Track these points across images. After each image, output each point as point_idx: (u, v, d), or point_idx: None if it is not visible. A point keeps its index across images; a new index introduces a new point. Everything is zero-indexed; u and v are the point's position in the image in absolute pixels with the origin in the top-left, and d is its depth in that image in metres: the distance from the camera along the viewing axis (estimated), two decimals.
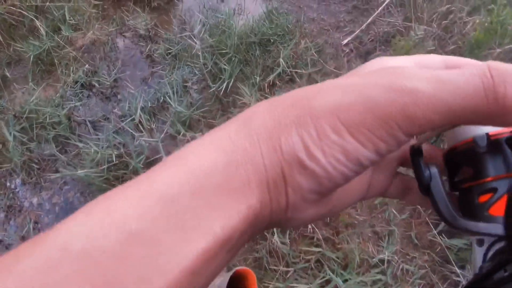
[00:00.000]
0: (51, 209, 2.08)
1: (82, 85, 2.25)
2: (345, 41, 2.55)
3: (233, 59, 2.22)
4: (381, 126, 0.20)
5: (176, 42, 2.35)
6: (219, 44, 2.28)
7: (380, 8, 2.72)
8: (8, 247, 2.05)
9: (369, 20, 2.63)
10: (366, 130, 0.20)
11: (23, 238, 1.98)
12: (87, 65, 2.30)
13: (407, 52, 2.05)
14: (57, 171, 2.10)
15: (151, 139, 1.92)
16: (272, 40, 2.34)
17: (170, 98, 2.06)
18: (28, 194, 2.10)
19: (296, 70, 2.19)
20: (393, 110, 0.19)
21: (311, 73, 2.24)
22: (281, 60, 2.16)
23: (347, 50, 2.52)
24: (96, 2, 2.60)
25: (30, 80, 2.29)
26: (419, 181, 0.30)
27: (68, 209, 2.05)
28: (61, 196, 2.11)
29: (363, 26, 2.62)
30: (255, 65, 2.25)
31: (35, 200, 2.10)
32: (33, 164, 2.09)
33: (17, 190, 2.12)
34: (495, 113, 0.19)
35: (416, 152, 0.32)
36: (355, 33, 2.60)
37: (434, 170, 0.30)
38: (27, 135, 2.10)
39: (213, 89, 2.12)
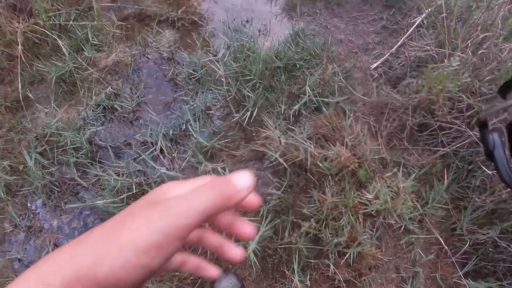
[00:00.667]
0: (70, 233, 2.05)
1: (104, 108, 2.22)
2: (374, 65, 2.45)
3: (258, 85, 2.14)
4: (157, 254, 0.30)
5: (200, 66, 2.29)
6: (243, 69, 2.21)
7: (410, 30, 2.60)
8: (27, 266, 2.02)
9: (398, 43, 2.51)
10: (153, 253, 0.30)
11: None
12: (109, 88, 2.27)
13: (441, 84, 1.93)
14: (77, 194, 2.08)
15: (171, 172, 1.86)
16: (298, 65, 2.25)
17: (192, 126, 2.00)
18: (48, 216, 2.08)
19: (323, 99, 2.10)
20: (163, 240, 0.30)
21: (339, 101, 2.14)
22: (307, 87, 2.07)
23: (376, 75, 2.41)
24: (120, 23, 2.57)
25: (52, 101, 2.27)
26: (485, 148, 0.39)
27: None
28: (81, 221, 2.08)
29: (393, 49, 2.50)
30: (280, 91, 2.17)
31: (55, 223, 2.07)
32: (54, 187, 2.06)
33: (37, 211, 2.10)
34: (227, 202, 0.33)
35: (482, 123, 0.42)
36: (384, 56, 2.49)
37: (497, 138, 0.38)
38: (48, 159, 2.08)
39: (237, 118, 2.05)
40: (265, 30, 2.67)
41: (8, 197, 2.05)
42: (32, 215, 2.07)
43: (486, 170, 1.87)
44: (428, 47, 2.28)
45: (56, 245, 2.02)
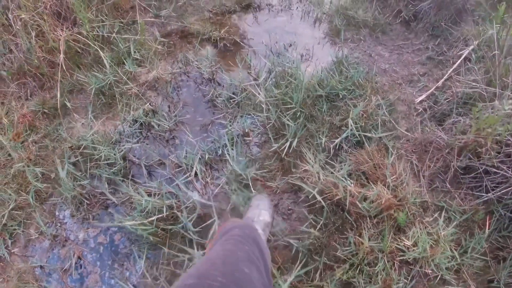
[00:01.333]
0: (95, 247, 2.03)
1: (141, 124, 2.20)
2: (419, 99, 2.35)
3: (298, 114, 2.08)
4: None
5: (240, 90, 2.25)
6: (284, 96, 2.16)
7: (457, 63, 2.49)
8: (49, 275, 2.01)
9: (444, 77, 2.41)
10: None
11: (65, 272, 1.94)
12: (148, 104, 2.25)
13: (491, 127, 1.82)
14: (107, 208, 2.06)
15: (203, 200, 1.81)
16: (341, 95, 2.18)
17: (228, 152, 1.95)
18: (75, 228, 2.06)
19: (366, 134, 2.02)
20: None
21: (382, 137, 2.06)
22: (350, 120, 2.00)
23: (421, 109, 2.32)
24: (162, 39, 2.56)
25: (90, 112, 2.26)
26: None
27: (111, 252, 1.99)
28: (107, 237, 2.05)
29: (439, 83, 2.40)
30: (321, 122, 2.11)
31: (81, 235, 2.06)
32: (84, 199, 2.05)
33: (65, 221, 2.09)
34: None
35: None
36: (430, 90, 2.39)
37: None
38: (80, 170, 2.07)
39: (275, 147, 1.99)
40: (308, 55, 2.62)
41: (37, 204, 2.05)
42: (59, 224, 2.06)
43: None
44: (476, 84, 2.17)
45: (79, 258, 2.00)
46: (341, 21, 2.85)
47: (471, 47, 2.52)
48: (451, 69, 2.44)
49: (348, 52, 2.63)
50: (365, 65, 2.53)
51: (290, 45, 2.68)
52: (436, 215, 1.87)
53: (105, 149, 2.01)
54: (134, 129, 2.15)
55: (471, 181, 2.02)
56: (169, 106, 2.27)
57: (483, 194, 1.93)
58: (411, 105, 2.35)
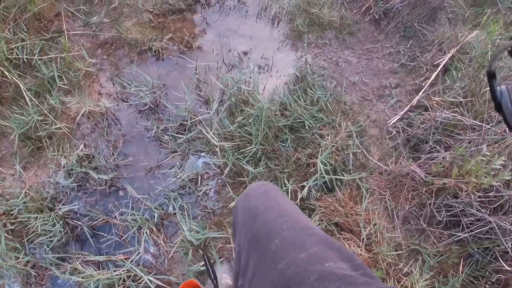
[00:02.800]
0: None
1: (77, 176, 1.85)
2: (392, 121, 2.12)
3: (259, 154, 1.81)
4: None
5: (190, 121, 1.93)
6: (241, 130, 1.86)
7: (432, 76, 2.26)
8: None
9: (418, 95, 2.18)
10: None
11: None
12: (82, 147, 1.89)
13: (476, 176, 1.64)
14: (57, 279, 1.76)
15: (159, 277, 1.56)
16: (307, 125, 1.91)
17: (178, 212, 1.68)
18: None
19: (336, 176, 1.79)
20: None
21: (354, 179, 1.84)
22: (318, 162, 1.75)
23: (394, 132, 2.10)
24: (91, 60, 2.13)
25: (17, 164, 1.87)
26: (493, 99, 0.50)
27: None
28: None
29: (413, 101, 2.17)
30: (286, 159, 1.85)
31: None
32: (30, 272, 1.73)
33: None
34: None
35: (490, 75, 0.51)
36: (403, 111, 2.15)
37: (504, 89, 0.49)
38: (21, 238, 1.73)
39: (234, 198, 1.73)
40: (266, 65, 2.29)
41: None
42: None
43: (504, 265, 1.66)
44: (457, 110, 1.97)
45: None
46: (303, 21, 2.50)
47: (449, 55, 2.28)
48: (426, 85, 2.21)
49: (312, 60, 2.32)
50: (332, 78, 2.25)
51: (245, 53, 2.32)
52: (411, 262, 1.73)
53: (40, 217, 1.67)
54: (71, 183, 1.80)
55: (447, 218, 1.87)
56: (107, 145, 1.92)
57: (459, 234, 1.80)
58: (383, 126, 2.12)
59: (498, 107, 0.49)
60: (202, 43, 2.36)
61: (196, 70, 2.21)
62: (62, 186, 1.83)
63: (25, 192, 1.76)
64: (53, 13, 2.36)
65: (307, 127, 1.92)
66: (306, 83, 2.14)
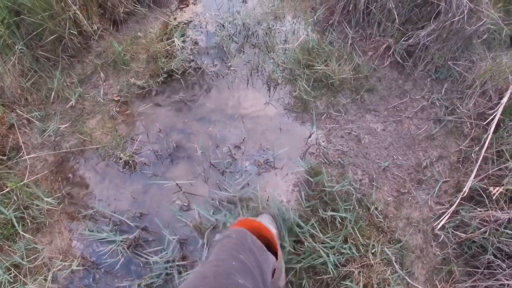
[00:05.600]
0: None
1: None
2: (440, 224, 1.63)
3: None
4: None
5: (175, 273, 1.50)
6: None
7: (485, 145, 1.74)
8: None
9: (470, 181, 1.66)
10: None
11: None
12: None
13: None
14: None
15: None
16: (330, 268, 1.45)
17: None
18: None
19: None
20: None
21: None
22: None
23: (442, 236, 1.61)
24: (49, 201, 1.70)
25: None
26: None
27: None
28: None
29: (465, 191, 1.65)
30: None
31: None
32: None
33: None
34: None
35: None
36: (452, 208, 1.64)
37: None
38: None
39: None
40: (266, 161, 1.79)
41: None
42: None
43: None
44: None
45: None
46: (306, 82, 1.96)
47: (499, 108, 1.71)
48: (478, 161, 1.67)
49: (326, 138, 1.82)
50: (355, 166, 1.75)
51: (238, 147, 1.83)
52: None
53: None
54: None
55: None
56: None
57: None
58: (428, 229, 1.63)
59: None
60: (181, 140, 1.87)
61: (175, 198, 1.73)
62: None
63: None
64: (5, 126, 1.92)
65: (330, 269, 1.45)
66: (321, 188, 1.64)
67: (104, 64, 2.12)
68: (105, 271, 1.58)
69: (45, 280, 1.54)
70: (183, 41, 2.18)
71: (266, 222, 1.52)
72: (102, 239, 1.63)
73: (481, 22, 1.79)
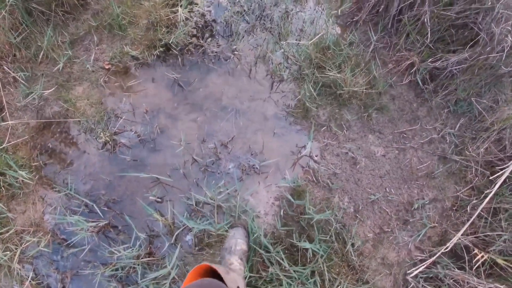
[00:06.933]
0: None
1: None
2: (413, 273, 1.58)
3: None
4: None
5: (139, 266, 1.50)
6: None
7: (486, 201, 1.65)
8: None
9: (456, 237, 1.58)
10: None
11: None
12: (30, 278, 1.55)
13: None
14: None
15: None
16: None
17: None
18: None
19: None
20: None
21: None
22: None
23: (413, 285, 1.57)
24: (23, 173, 1.65)
25: None
26: None
27: None
28: None
29: (448, 245, 1.58)
30: None
31: None
32: None
33: None
34: None
35: None
36: (431, 259, 1.58)
37: None
38: None
39: None
40: (252, 170, 1.70)
41: None
42: None
43: None
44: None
45: None
46: (313, 85, 1.79)
47: (511, 166, 1.58)
48: (469, 221, 1.58)
49: (320, 153, 1.71)
50: (344, 192, 1.66)
51: (225, 145, 1.72)
52: None
53: None
54: None
55: None
56: (55, 279, 1.56)
57: None
58: (399, 276, 1.59)
59: None
60: (167, 126, 1.76)
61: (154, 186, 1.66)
62: None
63: None
64: None
65: None
66: (301, 211, 1.57)
67: (99, 26, 1.92)
68: (72, 253, 1.56)
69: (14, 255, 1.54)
70: (190, 11, 1.96)
71: (239, 236, 1.49)
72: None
73: None
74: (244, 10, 2.01)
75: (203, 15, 1.98)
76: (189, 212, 1.60)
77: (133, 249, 1.54)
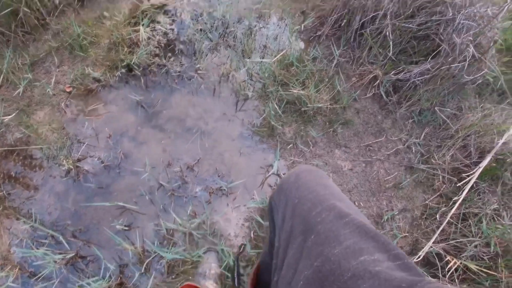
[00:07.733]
0: None
1: None
2: None
3: None
4: None
5: None
6: None
7: (452, 210, 1.66)
8: None
9: (427, 247, 1.60)
10: None
11: None
12: None
13: None
14: None
15: None
16: None
17: None
18: None
19: None
20: None
21: None
22: None
23: None
24: None
25: None
26: None
27: None
28: None
29: (420, 254, 1.60)
30: None
31: None
32: None
33: None
34: None
35: None
36: None
37: None
38: None
39: None
40: (220, 191, 1.69)
41: None
42: None
43: None
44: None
45: None
46: (278, 103, 1.79)
47: (477, 171, 1.60)
48: (440, 228, 1.59)
49: (287, 170, 1.69)
50: None
51: (191, 168, 1.71)
52: None
53: None
54: None
55: None
56: None
57: None
58: None
59: None
60: (131, 150, 1.73)
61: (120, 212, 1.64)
62: None
63: None
64: None
65: None
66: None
67: (60, 47, 1.88)
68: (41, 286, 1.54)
69: None
70: (152, 29, 1.93)
71: (212, 260, 1.50)
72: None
73: (481, 73, 1.58)
74: (208, 28, 1.98)
75: (165, 33, 1.95)
76: (159, 240, 1.58)
77: (103, 281, 1.51)
